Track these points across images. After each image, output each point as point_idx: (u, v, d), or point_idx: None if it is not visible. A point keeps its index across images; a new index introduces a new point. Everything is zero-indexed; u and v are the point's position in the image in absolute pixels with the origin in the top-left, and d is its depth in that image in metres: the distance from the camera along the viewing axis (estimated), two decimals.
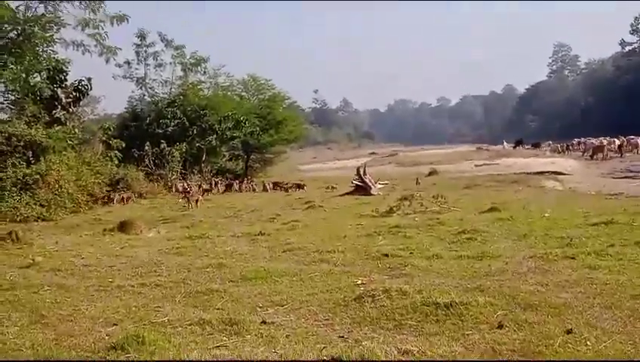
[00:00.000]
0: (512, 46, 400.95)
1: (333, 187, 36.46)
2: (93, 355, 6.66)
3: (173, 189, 35.98)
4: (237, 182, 41.20)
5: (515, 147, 77.12)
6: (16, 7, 26.19)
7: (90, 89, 35.98)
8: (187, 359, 6.31)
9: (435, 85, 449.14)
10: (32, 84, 28.21)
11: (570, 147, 67.47)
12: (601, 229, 13.57)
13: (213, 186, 38.53)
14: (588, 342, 6.44)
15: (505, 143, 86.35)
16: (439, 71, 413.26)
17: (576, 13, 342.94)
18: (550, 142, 79.88)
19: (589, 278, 8.98)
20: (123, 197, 31.16)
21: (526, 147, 77.02)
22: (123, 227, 18.01)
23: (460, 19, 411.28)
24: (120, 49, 30.88)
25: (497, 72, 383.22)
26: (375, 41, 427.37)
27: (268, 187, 38.54)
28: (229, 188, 38.90)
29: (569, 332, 6.71)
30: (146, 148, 40.02)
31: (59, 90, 32.84)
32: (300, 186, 37.76)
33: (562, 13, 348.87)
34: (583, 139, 71.13)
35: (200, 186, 37.29)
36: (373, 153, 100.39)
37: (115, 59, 32.65)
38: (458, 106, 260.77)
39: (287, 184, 39.06)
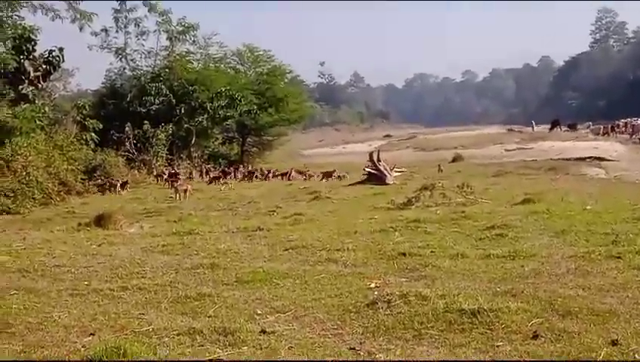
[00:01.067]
0: (550, 15, 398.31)
1: (342, 176, 36.32)
2: None
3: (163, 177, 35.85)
4: (233, 169, 40.99)
5: (551, 129, 76.19)
6: None
7: (63, 61, 35.84)
8: None
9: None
10: None
11: (616, 128, 66.82)
12: None
13: (231, 171, 38.31)
14: (636, 355, 6.42)
15: (534, 125, 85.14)
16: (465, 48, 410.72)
17: None
18: (590, 123, 78.96)
19: (637, 281, 8.97)
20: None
21: (563, 129, 76.04)
22: (100, 221, 18.02)
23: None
24: (96, 14, 30.90)
25: (534, 43, 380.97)
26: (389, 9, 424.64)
27: (269, 175, 38.31)
28: (250, 176, 38.40)
29: (614, 343, 6.70)
30: (127, 129, 40.09)
31: (26, 62, 32.78)
32: (329, 175, 36.90)
33: None
34: (630, 120, 70.60)
35: (224, 172, 37.72)
36: (388, 136, 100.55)
37: (90, 26, 32.60)
38: (486, 82, 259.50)
39: (307, 171, 38.65)
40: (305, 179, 36.93)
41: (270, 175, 38.40)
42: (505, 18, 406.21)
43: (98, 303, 9.31)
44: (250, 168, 41.66)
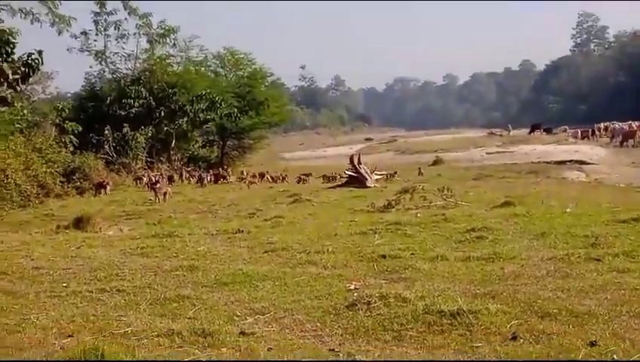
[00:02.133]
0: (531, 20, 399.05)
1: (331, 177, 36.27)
2: None
3: (144, 180, 35.61)
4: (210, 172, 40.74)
5: (530, 132, 76.37)
6: None
7: (42, 64, 35.29)
8: None
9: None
10: None
11: (597, 132, 66.83)
12: (632, 227, 13.59)
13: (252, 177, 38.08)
14: (614, 356, 6.45)
15: (510, 128, 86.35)
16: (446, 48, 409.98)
17: None
18: (566, 127, 78.80)
19: (616, 283, 9.01)
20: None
21: (542, 132, 75.92)
22: (79, 223, 17.92)
23: None
24: (74, 19, 30.66)
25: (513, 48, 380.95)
26: (370, 12, 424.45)
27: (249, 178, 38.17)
28: (260, 177, 38.39)
29: (593, 344, 6.73)
30: (106, 132, 39.85)
31: (4, 65, 32.43)
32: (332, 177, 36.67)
33: None
34: (610, 124, 70.70)
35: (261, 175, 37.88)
36: (368, 139, 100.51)
37: (68, 30, 32.39)
38: (468, 85, 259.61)
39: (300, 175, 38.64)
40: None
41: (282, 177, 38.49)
42: (486, 20, 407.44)
43: (76, 305, 9.28)
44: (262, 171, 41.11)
